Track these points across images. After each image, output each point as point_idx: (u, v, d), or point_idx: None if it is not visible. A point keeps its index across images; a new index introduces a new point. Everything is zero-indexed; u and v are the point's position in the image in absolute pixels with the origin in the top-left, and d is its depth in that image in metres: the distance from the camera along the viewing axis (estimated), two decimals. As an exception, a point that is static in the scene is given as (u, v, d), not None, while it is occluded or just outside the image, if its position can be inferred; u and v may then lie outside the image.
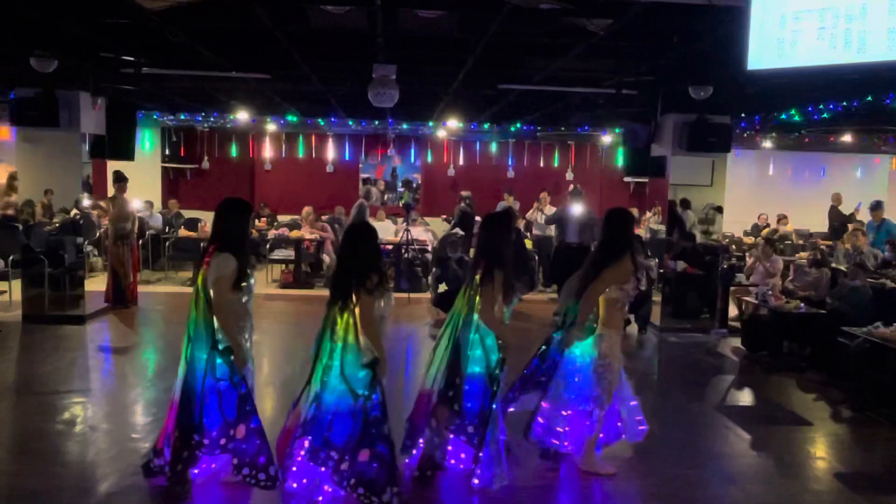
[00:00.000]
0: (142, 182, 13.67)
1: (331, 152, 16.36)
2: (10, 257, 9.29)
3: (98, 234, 11.56)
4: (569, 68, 7.98)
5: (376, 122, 14.21)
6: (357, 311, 3.95)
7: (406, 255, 11.42)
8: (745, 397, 7.11)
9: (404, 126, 15.00)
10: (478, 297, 4.29)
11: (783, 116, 10.43)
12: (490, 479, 4.24)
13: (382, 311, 4.05)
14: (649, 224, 13.26)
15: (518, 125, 14.23)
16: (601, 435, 4.68)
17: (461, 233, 11.16)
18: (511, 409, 4.66)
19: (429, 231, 13.27)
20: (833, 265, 9.52)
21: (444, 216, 14.88)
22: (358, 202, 12.10)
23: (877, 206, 11.41)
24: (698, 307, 9.65)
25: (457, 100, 10.78)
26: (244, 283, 4.18)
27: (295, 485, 4.01)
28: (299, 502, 3.99)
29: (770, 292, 8.20)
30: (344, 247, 4.20)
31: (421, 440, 4.39)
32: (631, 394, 4.79)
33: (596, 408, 4.55)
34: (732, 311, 9.64)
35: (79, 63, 8.08)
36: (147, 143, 15.28)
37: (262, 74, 8.98)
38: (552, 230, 11.03)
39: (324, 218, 13.62)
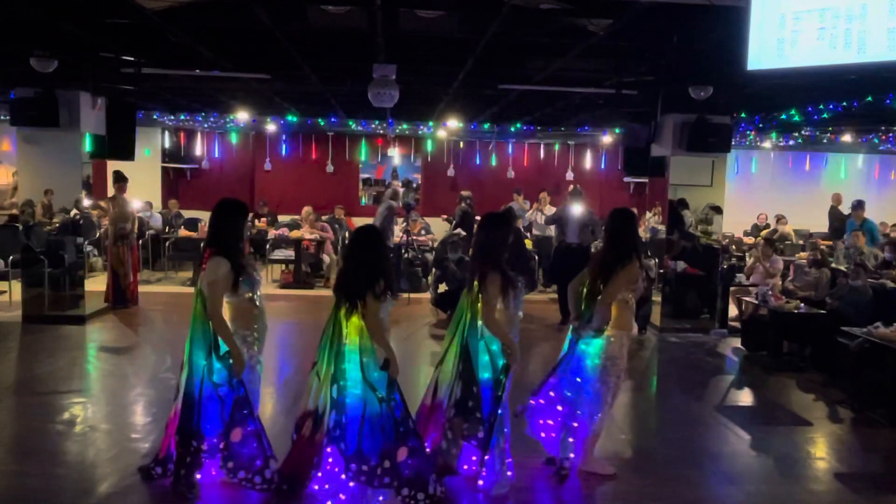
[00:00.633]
0: (142, 182, 13.68)
1: (331, 152, 16.36)
2: (10, 257, 9.30)
3: (98, 234, 11.56)
4: (569, 68, 7.98)
5: (376, 122, 14.21)
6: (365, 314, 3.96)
7: (406, 255, 11.42)
8: (745, 397, 7.11)
9: (404, 126, 15.00)
10: (478, 303, 4.27)
11: (783, 116, 10.43)
12: (493, 483, 4.27)
13: (382, 315, 4.06)
14: (649, 224, 13.26)
15: (518, 125, 14.22)
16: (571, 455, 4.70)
17: (463, 233, 11.17)
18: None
19: (423, 230, 13.22)
20: (833, 265, 9.52)
21: (445, 216, 14.88)
22: (386, 204, 11.41)
23: (858, 206, 11.42)
24: (698, 307, 9.65)
25: (457, 100, 10.78)
26: (242, 279, 4.14)
27: (317, 487, 4.02)
28: None
29: (770, 292, 8.20)
30: (353, 250, 4.13)
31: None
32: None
33: (597, 412, 4.55)
34: (732, 311, 9.64)
35: (79, 63, 8.08)
36: (147, 143, 15.27)
37: (262, 74, 8.98)
38: (552, 230, 11.02)
39: (324, 218, 13.63)
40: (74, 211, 9.20)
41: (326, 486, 4.02)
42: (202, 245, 4.34)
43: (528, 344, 7.72)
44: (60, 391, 6.16)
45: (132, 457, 4.69)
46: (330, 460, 3.99)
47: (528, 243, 12.00)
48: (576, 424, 4.59)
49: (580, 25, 6.25)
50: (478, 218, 8.87)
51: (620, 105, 10.18)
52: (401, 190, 11.57)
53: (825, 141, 14.25)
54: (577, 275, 4.79)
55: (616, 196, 16.07)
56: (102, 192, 10.45)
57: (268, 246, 12.20)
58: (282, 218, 14.67)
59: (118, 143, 9.29)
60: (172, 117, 14.45)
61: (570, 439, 4.61)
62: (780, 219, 14.33)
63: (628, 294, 4.54)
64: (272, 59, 8.22)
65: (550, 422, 4.71)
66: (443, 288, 9.60)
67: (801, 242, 13.60)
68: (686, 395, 6.90)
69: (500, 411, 4.22)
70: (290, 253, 12.13)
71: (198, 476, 4.20)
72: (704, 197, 9.63)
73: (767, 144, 15.25)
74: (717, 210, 9.77)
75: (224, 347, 4.09)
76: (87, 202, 9.39)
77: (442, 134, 15.65)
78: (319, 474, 4.02)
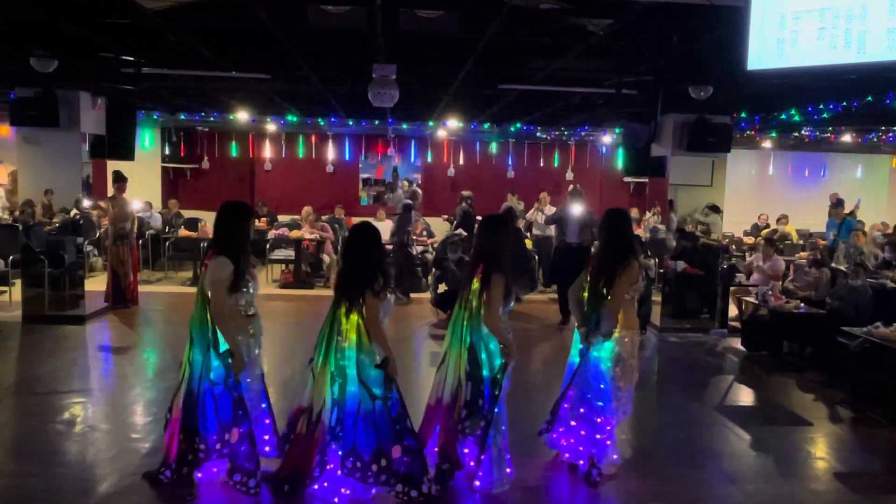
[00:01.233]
0: (142, 182, 13.68)
1: (331, 152, 16.35)
2: (10, 257, 9.30)
3: (98, 234, 11.57)
4: (569, 68, 7.98)
5: (376, 122, 14.21)
6: (364, 312, 3.96)
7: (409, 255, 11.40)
8: (745, 397, 7.11)
9: (404, 126, 15.00)
10: (476, 303, 4.26)
11: (783, 116, 10.43)
12: (491, 482, 4.26)
13: (383, 315, 4.06)
14: (649, 224, 13.25)
15: (518, 125, 14.22)
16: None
17: (464, 234, 11.17)
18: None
19: (424, 231, 13.19)
20: (833, 265, 9.52)
21: (445, 216, 14.88)
22: (404, 203, 11.30)
23: (838, 204, 11.45)
24: (698, 307, 9.65)
25: (457, 100, 10.78)
26: (244, 288, 4.18)
27: (316, 486, 4.03)
28: None
29: (770, 292, 8.20)
30: (350, 249, 4.16)
31: (435, 448, 4.39)
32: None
33: (613, 419, 4.56)
34: (732, 311, 9.64)
35: (79, 63, 8.08)
36: (147, 143, 15.27)
37: (262, 74, 8.98)
38: (552, 230, 11.03)
39: (324, 218, 13.63)
40: (74, 211, 9.20)
41: (325, 485, 4.02)
42: (206, 245, 4.34)
43: (528, 344, 7.73)
44: (60, 391, 6.16)
45: (132, 457, 4.69)
46: (330, 459, 4.00)
47: (528, 243, 12.00)
48: (609, 427, 4.59)
49: (580, 25, 6.25)
50: (478, 218, 8.89)
51: (620, 105, 10.18)
52: (419, 191, 11.46)
53: (825, 141, 14.24)
54: (576, 278, 4.77)
55: (616, 196, 16.07)
56: (102, 191, 10.46)
57: (268, 246, 12.20)
58: (282, 218, 14.68)
59: (118, 143, 9.30)
60: (172, 117, 14.45)
61: (609, 441, 4.61)
62: (780, 219, 14.34)
63: (632, 292, 4.55)
64: (272, 59, 8.22)
65: (573, 440, 4.72)
66: (443, 288, 9.60)
67: (801, 242, 13.60)
68: (686, 395, 6.90)
69: (496, 409, 4.23)
70: (290, 253, 12.13)
71: (198, 475, 4.21)
72: (704, 197, 9.63)
73: (767, 144, 15.24)
74: (716, 209, 9.77)
75: (224, 346, 4.09)
76: (87, 203, 9.40)
77: (442, 134, 15.65)
78: (318, 473, 4.02)
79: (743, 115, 10.79)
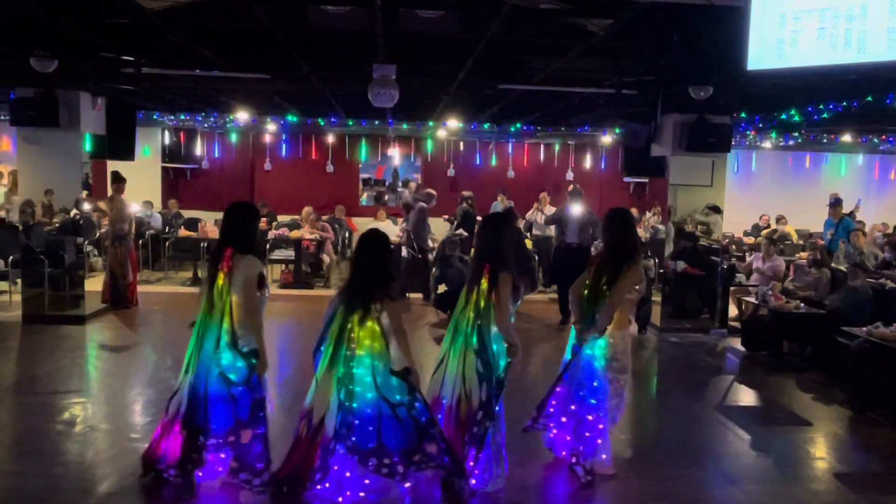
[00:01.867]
0: (142, 182, 13.68)
1: (331, 152, 16.36)
2: (10, 257, 9.30)
3: (98, 235, 11.56)
4: (569, 68, 7.98)
5: (376, 122, 14.21)
6: (382, 319, 3.97)
7: (406, 256, 11.39)
8: (745, 397, 7.11)
9: (404, 126, 15.00)
10: (484, 303, 4.25)
11: (783, 116, 10.43)
12: (487, 480, 4.25)
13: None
14: (649, 224, 13.26)
15: (518, 125, 14.23)
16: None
17: (465, 234, 11.16)
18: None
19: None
20: (833, 265, 9.52)
21: (446, 216, 14.88)
22: (419, 206, 10.94)
23: (836, 203, 11.42)
24: (698, 307, 9.65)
25: (457, 100, 10.78)
26: (265, 289, 4.25)
27: (318, 487, 4.03)
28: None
29: (770, 292, 8.20)
30: (363, 255, 4.13)
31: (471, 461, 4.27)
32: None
33: (605, 418, 4.55)
34: (732, 311, 9.64)
35: (79, 63, 8.08)
36: (147, 143, 15.27)
37: (262, 74, 8.98)
38: (552, 230, 11.03)
39: (324, 218, 13.63)
40: (74, 211, 9.20)
41: (327, 485, 4.02)
42: (214, 245, 4.29)
43: (528, 344, 7.70)
44: (60, 391, 6.16)
45: (132, 457, 4.68)
46: (335, 460, 3.98)
47: (528, 243, 12.00)
48: (600, 427, 4.58)
49: (580, 25, 6.26)
50: (479, 219, 8.88)
51: (620, 105, 10.19)
52: (434, 193, 11.41)
53: (825, 141, 14.24)
54: (578, 277, 4.76)
55: (616, 196, 16.07)
56: (102, 192, 10.46)
57: (268, 246, 12.20)
58: (282, 218, 14.68)
59: (118, 144, 9.29)
60: (172, 117, 14.45)
61: (599, 441, 4.60)
62: (780, 219, 14.33)
63: (633, 293, 4.55)
64: (272, 59, 8.23)
65: (567, 437, 4.71)
66: (442, 288, 9.59)
67: (801, 242, 13.60)
68: (686, 395, 6.89)
69: (496, 407, 4.23)
70: (290, 253, 12.13)
71: (199, 474, 4.21)
72: (704, 197, 9.63)
73: (767, 144, 15.25)
74: (715, 209, 9.77)
75: (245, 347, 4.09)
76: (87, 206, 9.39)
77: (442, 134, 15.65)
78: (319, 476, 4.01)
79: (743, 115, 10.80)
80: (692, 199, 9.57)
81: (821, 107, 9.30)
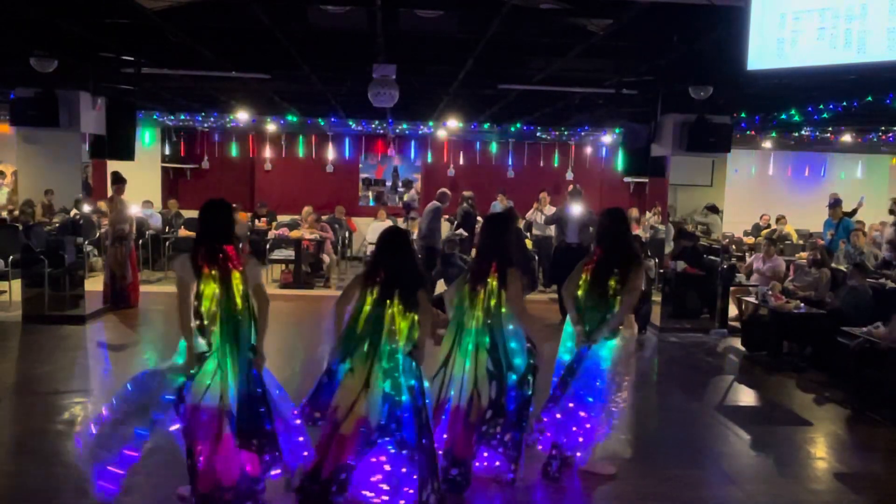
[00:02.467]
0: (142, 182, 13.67)
1: (331, 152, 16.34)
2: (10, 257, 9.30)
3: (98, 235, 11.56)
4: (569, 68, 7.98)
5: (376, 122, 14.20)
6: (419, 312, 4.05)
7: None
8: (745, 397, 7.11)
9: (404, 126, 14.99)
10: (494, 301, 4.25)
11: (783, 116, 10.43)
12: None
13: None
14: (649, 224, 13.25)
15: (518, 125, 14.22)
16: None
17: (465, 234, 11.16)
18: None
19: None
20: (833, 265, 9.52)
21: (446, 216, 14.88)
22: (434, 206, 11.15)
23: (835, 204, 11.43)
24: (698, 307, 9.65)
25: (457, 100, 10.77)
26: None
27: (352, 480, 4.00)
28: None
29: (770, 292, 8.20)
30: (395, 251, 4.11)
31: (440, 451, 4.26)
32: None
33: (598, 419, 4.54)
34: (732, 311, 9.64)
35: (79, 63, 8.08)
36: (147, 143, 15.27)
37: (262, 74, 8.98)
38: (552, 230, 11.03)
39: (324, 218, 13.62)
40: (74, 211, 9.20)
41: (363, 477, 4.01)
42: (218, 245, 4.14)
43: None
44: (60, 391, 6.16)
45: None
46: (380, 455, 3.96)
47: (528, 243, 12.00)
48: (588, 426, 4.57)
49: (580, 25, 6.25)
50: (479, 219, 8.87)
51: (620, 105, 10.18)
52: (449, 193, 11.40)
53: (825, 141, 14.23)
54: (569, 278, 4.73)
55: (616, 196, 16.05)
56: (102, 192, 10.45)
57: (268, 246, 12.19)
58: (282, 218, 14.68)
59: (118, 144, 9.29)
60: (172, 117, 14.44)
61: (581, 439, 4.59)
62: (780, 219, 14.33)
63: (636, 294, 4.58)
64: (272, 59, 8.22)
65: (573, 428, 4.67)
66: (442, 287, 9.58)
67: (801, 242, 13.60)
68: (686, 395, 6.90)
69: (531, 409, 4.28)
70: (289, 253, 12.13)
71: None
72: (704, 197, 9.64)
73: (767, 144, 15.24)
74: (714, 210, 9.78)
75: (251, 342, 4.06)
76: (87, 208, 9.39)
77: (442, 134, 15.65)
78: (354, 463, 3.95)
79: (743, 115, 10.79)
80: (692, 199, 9.57)
81: (821, 107, 9.30)
